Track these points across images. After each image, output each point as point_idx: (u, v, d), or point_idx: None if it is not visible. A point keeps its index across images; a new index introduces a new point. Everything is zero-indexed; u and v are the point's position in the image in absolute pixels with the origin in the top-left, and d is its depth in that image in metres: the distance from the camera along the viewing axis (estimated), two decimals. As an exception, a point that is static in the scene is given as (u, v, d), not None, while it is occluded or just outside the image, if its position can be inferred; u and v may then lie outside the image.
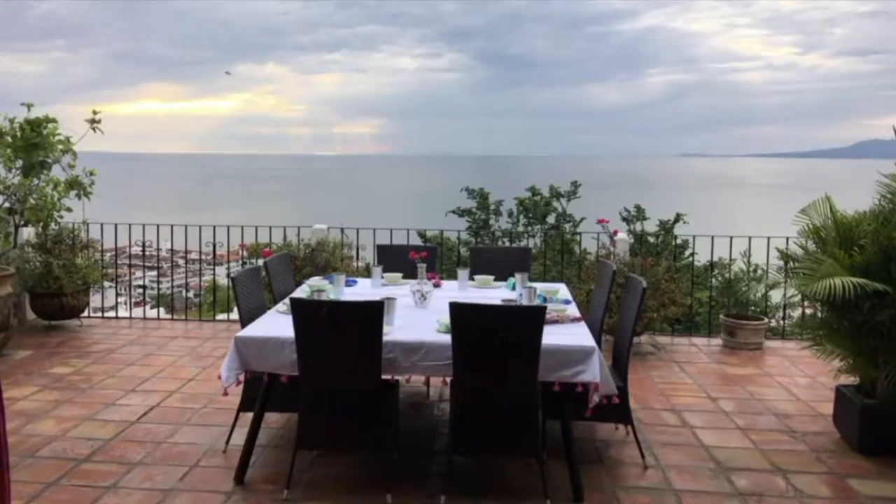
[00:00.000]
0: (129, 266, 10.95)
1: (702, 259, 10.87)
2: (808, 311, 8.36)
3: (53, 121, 8.99)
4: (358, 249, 9.49)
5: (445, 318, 4.66)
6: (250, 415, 4.99)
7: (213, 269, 11.05)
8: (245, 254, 10.00)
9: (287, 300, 5.10)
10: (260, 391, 4.88)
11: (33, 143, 8.78)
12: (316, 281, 6.31)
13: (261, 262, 7.27)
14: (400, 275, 6.74)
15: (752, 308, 9.77)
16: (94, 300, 10.02)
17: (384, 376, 4.51)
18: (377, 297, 4.60)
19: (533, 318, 4.31)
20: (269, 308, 5.73)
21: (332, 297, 5.68)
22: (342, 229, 9.50)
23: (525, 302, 5.33)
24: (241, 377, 4.83)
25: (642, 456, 5.18)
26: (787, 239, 7.28)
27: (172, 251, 10.67)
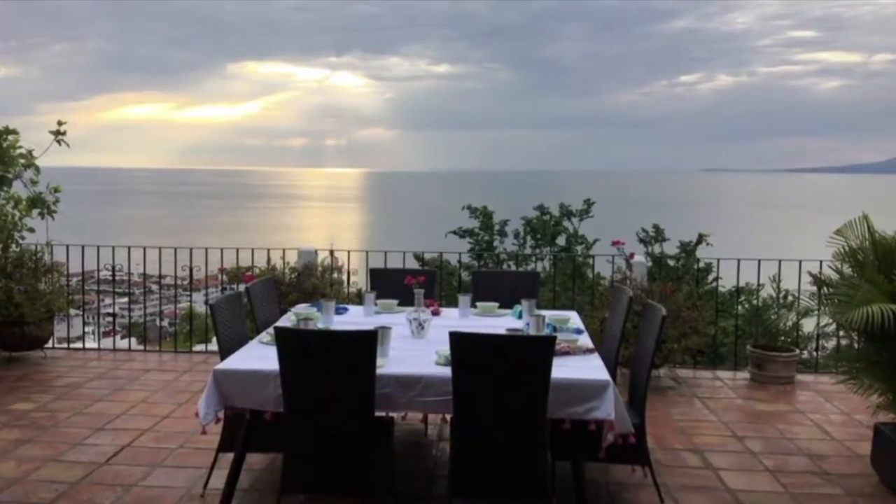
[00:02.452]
0: (98, 292, 10.95)
1: (727, 284, 10.89)
2: (843, 342, 8.36)
3: (14, 132, 9.02)
4: (349, 273, 9.50)
5: (445, 350, 4.67)
6: (230, 455, 4.97)
7: (190, 296, 11.05)
8: (225, 278, 10.00)
9: (271, 329, 5.10)
10: (241, 430, 4.88)
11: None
12: (303, 308, 6.32)
13: (242, 287, 7.28)
14: (395, 301, 6.74)
15: (783, 338, 9.76)
16: (59, 329, 10.02)
17: (378, 413, 4.50)
18: (370, 327, 4.60)
19: (541, 349, 4.32)
20: (251, 338, 5.73)
21: (321, 326, 5.68)
22: (332, 251, 9.50)
23: (532, 331, 5.33)
24: (221, 414, 4.82)
25: (661, 501, 5.17)
26: (821, 262, 7.29)
27: (145, 275, 10.65)
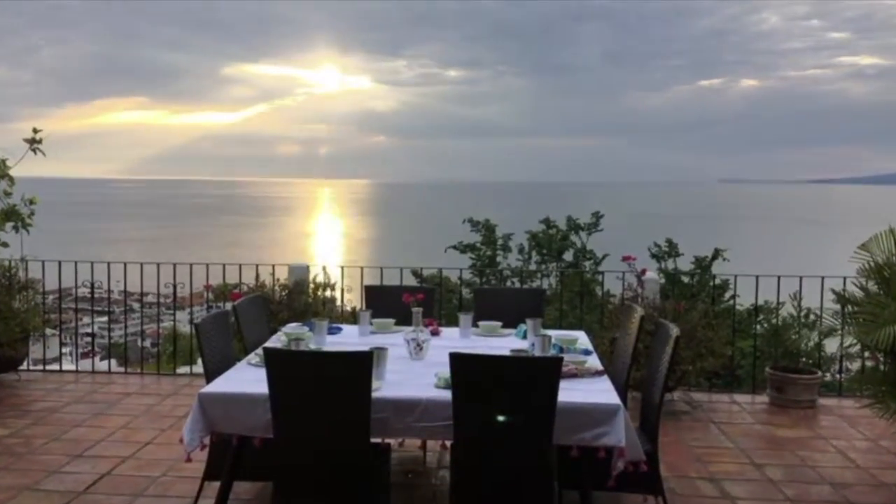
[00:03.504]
0: (76, 311, 10.95)
1: (744, 302, 10.88)
2: (868, 364, 8.36)
3: (-16, 140, 9.02)
4: (343, 291, 9.51)
5: (445, 372, 4.67)
6: (217, 484, 4.98)
7: (174, 315, 11.06)
8: (211, 296, 10.01)
9: (260, 350, 5.10)
10: (228, 457, 4.87)
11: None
12: (294, 328, 6.31)
13: (229, 305, 7.28)
14: (392, 321, 6.74)
15: (804, 360, 9.75)
16: (35, 350, 10.01)
17: (374, 439, 4.51)
18: (365, 347, 4.61)
19: (547, 371, 4.32)
20: (238, 359, 5.73)
21: (313, 346, 5.69)
22: (324, 267, 9.51)
23: (538, 352, 5.33)
24: (207, 440, 4.83)
25: (676, 533, 5.16)
26: (845, 279, 7.31)
27: (126, 293, 10.67)
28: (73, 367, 10.05)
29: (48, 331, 10.25)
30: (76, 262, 9.93)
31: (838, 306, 6.65)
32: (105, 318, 11.02)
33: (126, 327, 11.32)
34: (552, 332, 6.12)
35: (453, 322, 7.01)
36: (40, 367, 10.04)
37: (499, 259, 15.78)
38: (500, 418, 4.36)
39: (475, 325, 6.67)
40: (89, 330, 11.70)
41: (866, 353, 8.11)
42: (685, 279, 12.20)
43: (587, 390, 4.77)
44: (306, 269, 9.44)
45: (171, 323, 11.29)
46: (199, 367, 8.83)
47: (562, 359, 4.45)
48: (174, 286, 9.83)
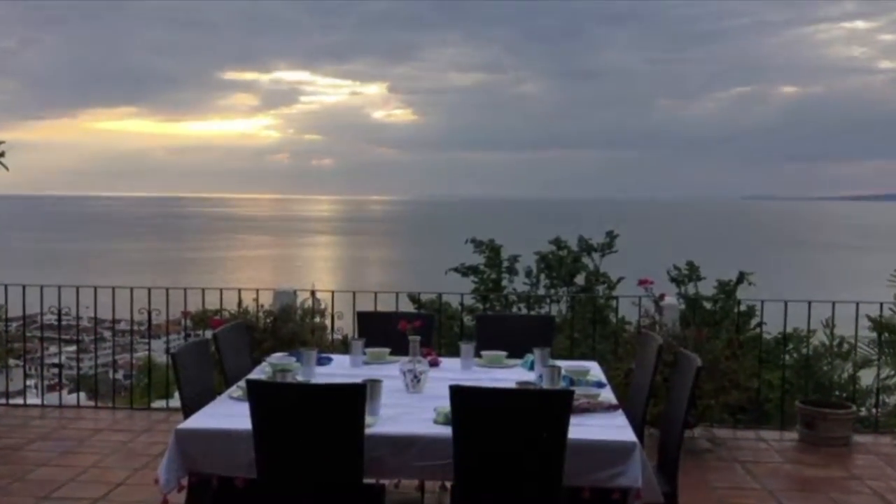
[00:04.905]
0: (42, 339, 10.96)
1: (772, 330, 10.87)
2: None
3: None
4: (333, 318, 9.51)
5: (445, 406, 4.67)
6: (195, 530, 4.97)
7: (149, 344, 11.07)
8: (189, 323, 10.01)
9: (243, 383, 5.11)
10: (208, 499, 4.87)
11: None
12: (280, 358, 6.32)
13: (209, 334, 7.29)
14: (387, 350, 6.75)
15: (837, 393, 9.76)
16: (-3, 383, 10.01)
17: (367, 480, 4.51)
18: (358, 379, 4.61)
19: (557, 405, 4.32)
20: (219, 393, 5.73)
21: (301, 378, 5.69)
22: (313, 292, 9.51)
23: (546, 385, 5.34)
24: (185, 481, 4.82)
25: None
26: (882, 305, 7.33)
27: (97, 320, 10.66)
28: (38, 401, 10.05)
29: (11, 361, 10.24)
30: (42, 287, 9.93)
31: (874, 334, 6.66)
32: (73, 348, 11.04)
33: (96, 357, 11.29)
34: (562, 363, 6.13)
35: (454, 352, 7.01)
36: (3, 400, 10.04)
37: (504, 283, 15.73)
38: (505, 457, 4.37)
39: (478, 355, 6.66)
40: (56, 360, 11.70)
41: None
42: (707, 305, 12.18)
43: (600, 426, 4.77)
44: (293, 293, 9.44)
45: (146, 353, 11.29)
46: (175, 401, 8.83)
47: (573, 392, 4.46)
48: (149, 312, 9.82)
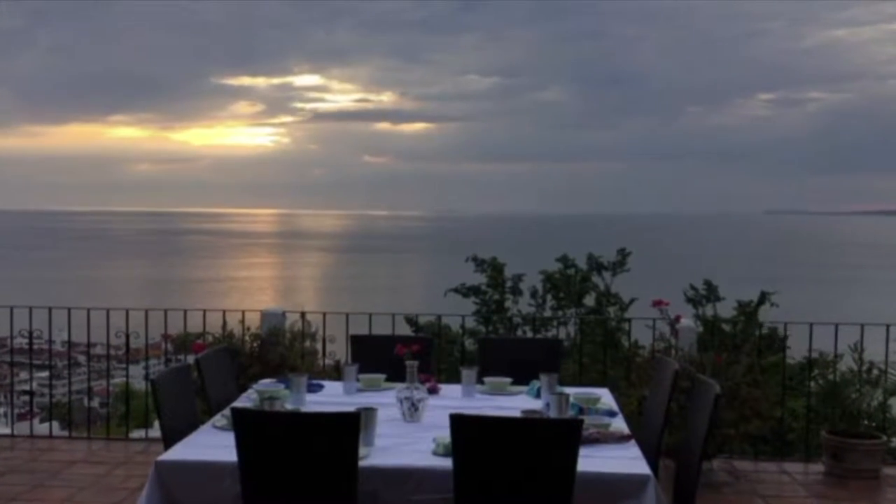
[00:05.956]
0: (11, 364, 10.96)
1: (796, 355, 10.86)
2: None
3: None
4: (324, 341, 9.50)
5: (445, 437, 4.67)
6: (176, 569, 4.95)
7: (127, 369, 11.05)
8: (170, 348, 10.00)
9: (227, 411, 5.11)
10: (189, 537, 4.86)
11: None
12: (267, 385, 6.32)
13: (191, 358, 7.29)
14: (382, 377, 6.75)
15: (866, 422, 9.74)
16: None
17: (360, 515, 4.50)
18: (351, 408, 4.61)
19: (565, 435, 4.32)
20: (202, 422, 5.73)
21: (290, 406, 5.69)
22: (303, 314, 9.51)
23: (554, 414, 5.34)
24: (165, 517, 4.82)
25: None
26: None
27: (71, 344, 10.66)
28: (7, 431, 10.04)
29: (-21, 388, 10.25)
30: (11, 308, 9.92)
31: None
32: (46, 374, 11.01)
33: (70, 384, 11.31)
34: (570, 390, 6.12)
35: (454, 378, 7.01)
36: (-31, 430, 10.04)
37: (508, 304, 15.76)
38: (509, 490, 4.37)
39: (480, 381, 6.66)
40: (27, 387, 11.70)
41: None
42: (726, 327, 12.17)
43: (612, 458, 4.77)
44: (281, 315, 9.43)
45: (124, 379, 11.27)
46: (155, 431, 8.81)
47: (582, 421, 4.46)
48: (126, 336, 9.81)
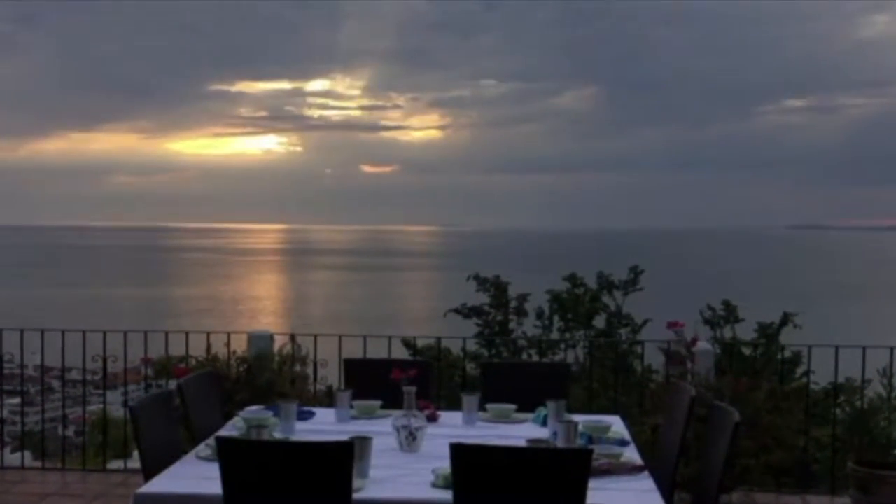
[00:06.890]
0: (-19, 390, 10.92)
1: (821, 380, 10.86)
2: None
3: None
4: (316, 365, 9.49)
5: (445, 468, 4.66)
6: None
7: (104, 395, 11.03)
8: (150, 372, 9.99)
9: (212, 440, 5.10)
10: (171, 575, 4.86)
11: None
12: (254, 412, 6.32)
13: (173, 384, 7.28)
14: (378, 403, 6.74)
15: (896, 452, 9.73)
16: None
17: (354, 553, 4.49)
18: (344, 436, 4.61)
19: (573, 466, 4.32)
20: (185, 451, 5.72)
21: (279, 435, 5.69)
22: (293, 336, 9.50)
23: (561, 443, 5.33)
24: (144, 554, 4.81)
25: None
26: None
27: (44, 368, 10.64)
28: (-24, 462, 10.02)
29: (-55, 416, 10.22)
30: (-20, 330, 9.90)
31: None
32: (17, 400, 11.01)
33: (44, 411, 11.27)
34: (579, 418, 6.13)
35: (455, 405, 7.00)
36: (-64, 461, 10.02)
37: (512, 325, 15.76)
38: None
39: (482, 408, 6.66)
40: (-3, 414, 11.66)
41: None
42: (746, 351, 12.18)
43: (623, 490, 4.77)
44: (269, 338, 9.41)
45: (101, 406, 11.25)
46: (135, 462, 8.81)
47: (592, 451, 4.45)
48: (104, 359, 9.79)
